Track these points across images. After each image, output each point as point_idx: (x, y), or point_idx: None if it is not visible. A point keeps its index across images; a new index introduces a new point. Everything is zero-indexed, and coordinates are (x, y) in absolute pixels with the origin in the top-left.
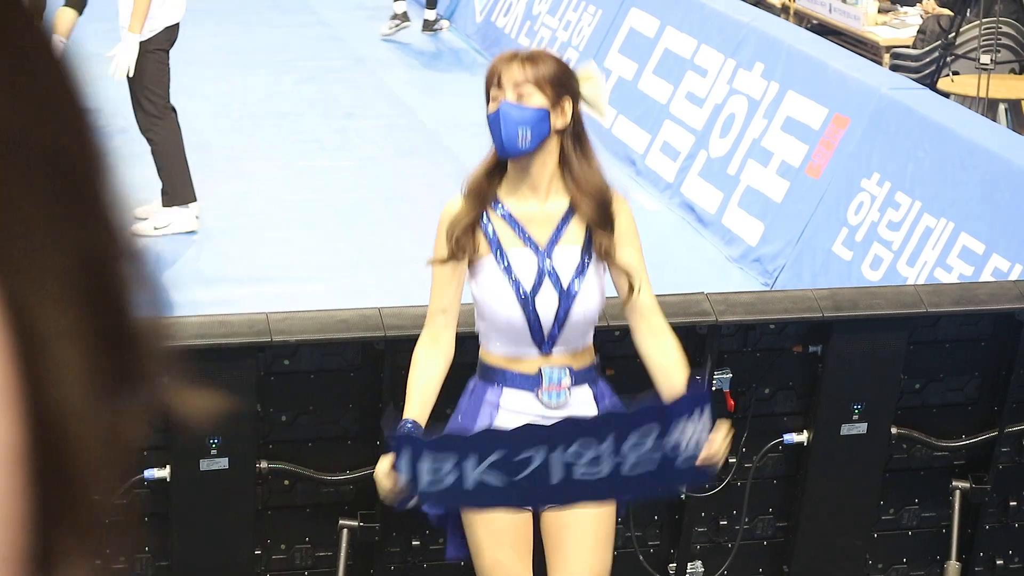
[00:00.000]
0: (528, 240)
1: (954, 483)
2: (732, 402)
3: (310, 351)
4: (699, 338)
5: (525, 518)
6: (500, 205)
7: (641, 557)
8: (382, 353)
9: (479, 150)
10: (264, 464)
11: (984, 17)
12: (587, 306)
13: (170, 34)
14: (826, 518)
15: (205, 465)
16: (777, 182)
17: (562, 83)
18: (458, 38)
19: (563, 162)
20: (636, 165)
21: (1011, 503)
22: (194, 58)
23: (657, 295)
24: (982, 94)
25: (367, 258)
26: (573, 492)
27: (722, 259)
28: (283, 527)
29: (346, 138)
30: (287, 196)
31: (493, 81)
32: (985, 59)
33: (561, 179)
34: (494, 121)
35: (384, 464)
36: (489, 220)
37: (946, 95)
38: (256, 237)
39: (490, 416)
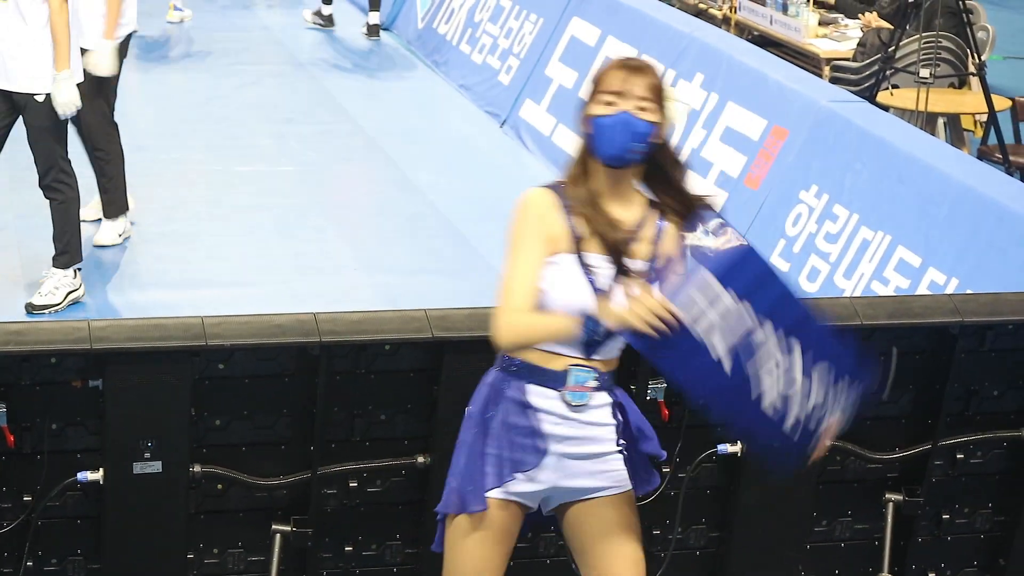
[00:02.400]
0: (605, 246)
1: (887, 496)
2: (666, 412)
3: (245, 356)
4: (634, 349)
5: (515, 519)
6: (585, 207)
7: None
8: (317, 358)
9: (418, 155)
10: (197, 468)
11: (924, 31)
12: None
13: (127, 43)
14: (759, 529)
15: (138, 468)
16: (716, 192)
17: (666, 100)
18: (399, 44)
19: (657, 172)
20: None
21: (944, 516)
22: (133, 61)
23: None
24: (921, 108)
25: (304, 264)
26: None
27: None
28: (216, 531)
29: (285, 143)
30: (225, 201)
31: (612, 86)
32: (924, 73)
33: (648, 188)
34: (610, 128)
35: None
36: (572, 219)
37: (885, 108)
38: (193, 241)
39: (531, 417)
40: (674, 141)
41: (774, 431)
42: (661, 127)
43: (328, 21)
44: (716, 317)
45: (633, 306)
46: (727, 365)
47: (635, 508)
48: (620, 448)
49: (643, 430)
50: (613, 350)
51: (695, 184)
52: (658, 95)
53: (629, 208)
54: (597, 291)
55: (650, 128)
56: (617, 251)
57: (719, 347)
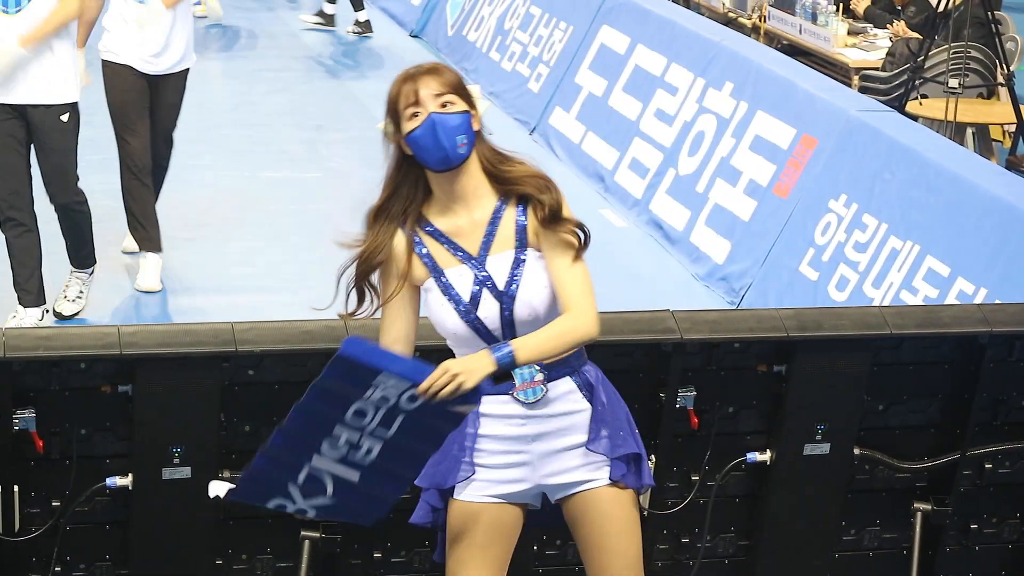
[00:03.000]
0: (461, 254)
1: (916, 505)
2: (696, 420)
3: (274, 362)
4: (664, 356)
5: (513, 520)
6: (429, 224)
7: None
8: None
9: None
10: (226, 474)
11: (953, 41)
12: (530, 302)
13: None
14: (788, 538)
15: (167, 474)
16: (745, 201)
17: (466, 90)
18: (429, 51)
19: (484, 164)
20: (605, 181)
21: (972, 526)
22: None
23: (622, 311)
24: (950, 118)
25: (334, 270)
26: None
27: (688, 277)
28: (245, 537)
29: (314, 149)
30: (254, 207)
31: (409, 100)
32: (953, 83)
33: (487, 183)
34: (428, 134)
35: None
36: (421, 242)
37: (914, 118)
38: (223, 247)
39: (474, 424)
40: (487, 131)
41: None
42: (474, 116)
43: (329, 20)
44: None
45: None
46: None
47: (621, 498)
48: (589, 446)
49: (612, 423)
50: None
51: (523, 162)
52: (455, 88)
53: (480, 205)
54: (461, 308)
55: (463, 117)
56: (473, 257)
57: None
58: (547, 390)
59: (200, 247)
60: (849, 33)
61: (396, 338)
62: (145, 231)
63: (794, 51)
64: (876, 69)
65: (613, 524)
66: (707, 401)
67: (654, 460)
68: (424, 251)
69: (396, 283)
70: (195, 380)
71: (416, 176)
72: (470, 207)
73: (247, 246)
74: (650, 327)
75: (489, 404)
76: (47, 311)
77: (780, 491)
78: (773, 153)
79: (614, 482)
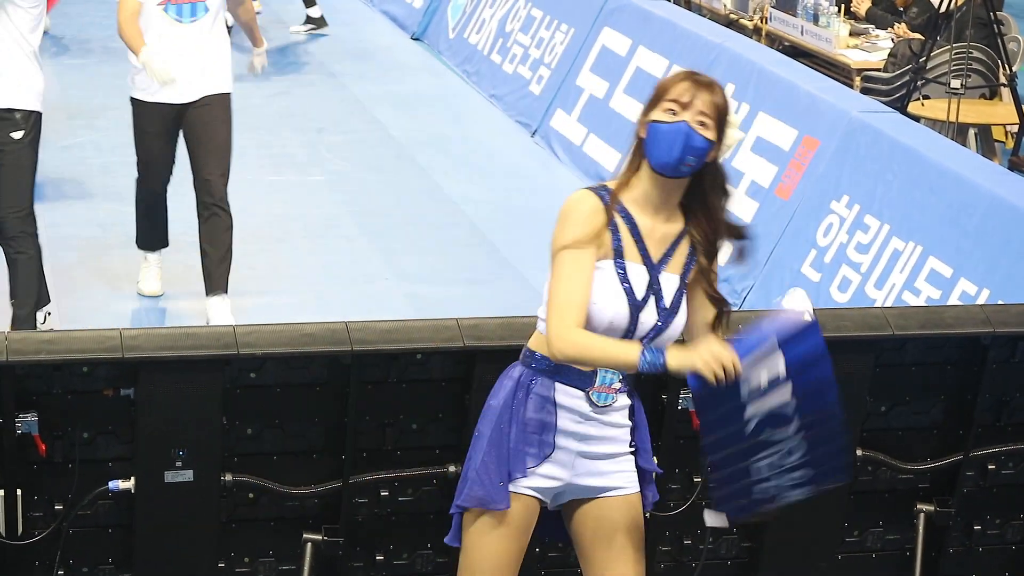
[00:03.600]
0: (645, 254)
1: (919, 506)
2: (697, 422)
3: (276, 364)
4: None
5: (533, 514)
6: (627, 213)
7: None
8: (348, 368)
9: (449, 164)
10: (229, 477)
11: (955, 42)
12: (676, 329)
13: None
14: (790, 539)
15: (170, 477)
16: (747, 202)
17: (726, 122)
18: (430, 54)
19: (698, 191)
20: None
21: (975, 527)
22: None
23: None
24: (952, 119)
25: (335, 273)
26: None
27: None
28: (247, 540)
29: (316, 152)
30: (256, 210)
31: (680, 97)
32: (955, 84)
33: (682, 204)
34: (668, 135)
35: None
36: (616, 226)
37: (916, 119)
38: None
39: (552, 413)
40: (726, 168)
41: (742, 493)
42: (716, 147)
43: (319, 23)
44: (765, 382)
45: (705, 354)
46: (748, 427)
47: (641, 511)
48: (632, 450)
49: (644, 440)
50: None
51: (732, 213)
52: (720, 115)
53: (671, 221)
54: (633, 302)
55: (707, 144)
56: (654, 263)
57: (751, 410)
58: (616, 400)
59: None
60: (851, 34)
61: (585, 302)
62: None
63: (796, 52)
64: (878, 70)
65: (628, 535)
66: None
67: (656, 462)
68: (616, 232)
69: (589, 244)
70: (197, 383)
71: (640, 161)
72: (664, 217)
73: (248, 249)
74: None
75: (563, 395)
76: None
77: None
78: (775, 154)
79: (637, 494)
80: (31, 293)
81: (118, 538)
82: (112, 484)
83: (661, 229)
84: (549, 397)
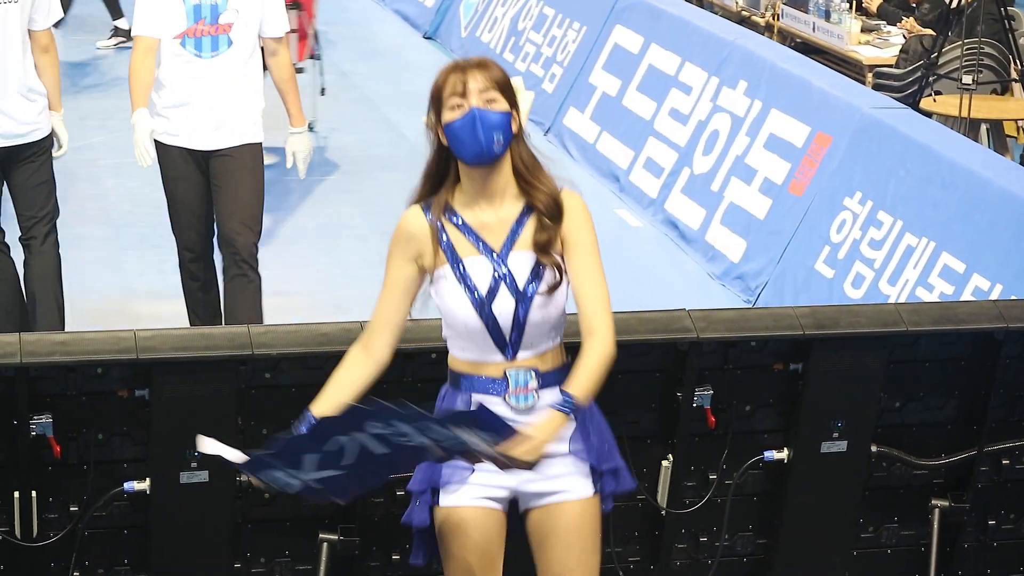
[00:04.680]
0: (483, 247)
1: (933, 502)
2: (713, 418)
3: (291, 365)
4: (680, 355)
5: (498, 523)
6: (455, 215)
7: (621, 573)
8: None
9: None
10: (244, 477)
11: (967, 38)
12: (546, 308)
13: None
14: (806, 536)
15: (185, 478)
16: (760, 199)
17: (511, 89)
18: (443, 52)
19: (518, 166)
20: (620, 181)
21: (990, 522)
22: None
23: (638, 311)
24: (964, 114)
25: (348, 272)
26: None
27: (704, 276)
28: (263, 540)
29: (328, 152)
30: (269, 210)
31: (455, 90)
32: (967, 79)
33: (515, 184)
34: (468, 127)
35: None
36: (444, 230)
37: (928, 115)
38: None
39: None
40: (528, 132)
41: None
42: (515, 115)
43: (128, 35)
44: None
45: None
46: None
47: (596, 514)
48: (572, 452)
49: (590, 434)
50: (540, 348)
51: (553, 174)
52: (501, 85)
53: (508, 205)
54: (476, 298)
55: (504, 116)
56: (495, 251)
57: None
58: (539, 398)
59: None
60: (863, 30)
61: (385, 320)
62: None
63: (808, 49)
64: (890, 66)
65: (580, 541)
66: (724, 400)
67: (672, 460)
68: (445, 238)
69: (404, 265)
70: (212, 384)
71: (450, 166)
72: (497, 204)
73: (263, 249)
74: (666, 326)
75: (479, 404)
76: None
77: (797, 489)
78: (788, 151)
79: (591, 496)
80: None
81: (133, 539)
82: (127, 485)
83: (496, 216)
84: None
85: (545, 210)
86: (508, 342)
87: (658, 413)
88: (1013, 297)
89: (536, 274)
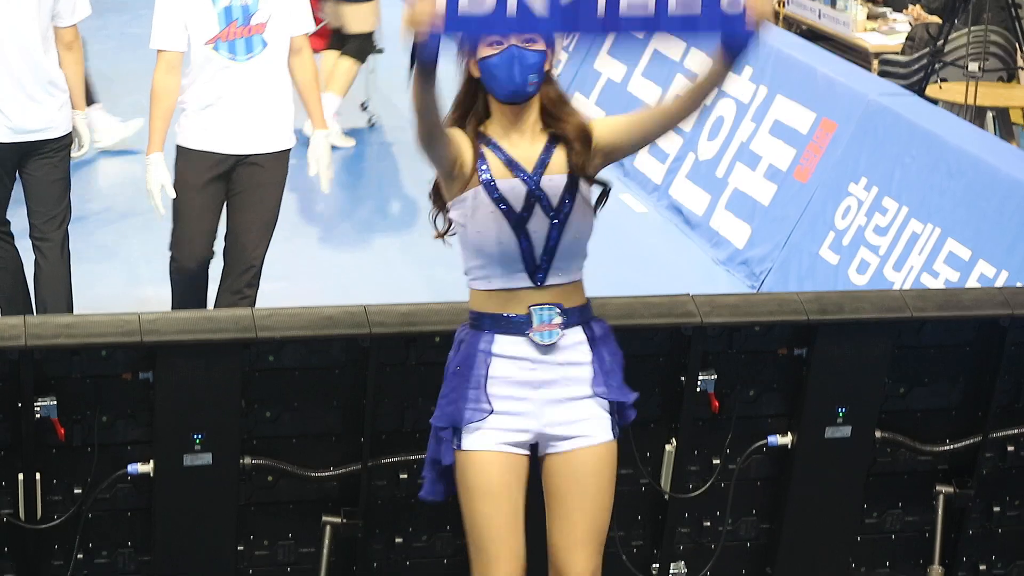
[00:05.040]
0: (517, 169)
1: (938, 488)
2: (716, 403)
3: (295, 348)
4: (684, 339)
5: (521, 468)
6: (489, 140)
7: (624, 557)
8: (367, 350)
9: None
10: (248, 460)
11: (973, 25)
12: (578, 229)
13: None
14: (809, 521)
15: (189, 460)
16: (765, 185)
17: None
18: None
19: (546, 103)
20: (624, 166)
21: (995, 508)
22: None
23: (643, 296)
24: (970, 101)
25: (353, 256)
26: (615, 24)
27: (709, 261)
28: (266, 523)
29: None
30: None
31: None
32: (973, 67)
33: (541, 121)
34: (505, 65)
35: None
36: (483, 156)
37: (934, 102)
38: None
39: (485, 364)
40: (557, 67)
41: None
42: (550, 55)
43: None
44: None
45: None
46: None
47: (614, 458)
48: (597, 393)
49: (609, 367)
50: (567, 277)
51: (577, 112)
52: None
53: (536, 138)
54: (513, 216)
55: (541, 56)
56: (528, 173)
57: None
58: (563, 335)
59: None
60: (868, 17)
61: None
62: None
63: (813, 36)
64: (896, 53)
65: (596, 484)
66: (728, 385)
67: (675, 444)
68: (482, 158)
69: (459, 138)
70: (216, 367)
71: (478, 98)
72: (526, 137)
73: None
74: (670, 311)
75: (502, 344)
76: None
77: (802, 474)
78: (793, 137)
79: (611, 440)
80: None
81: (137, 522)
82: (131, 468)
83: (528, 147)
84: (487, 350)
85: (574, 138)
86: (538, 264)
87: (662, 397)
88: (1018, 284)
89: (570, 195)
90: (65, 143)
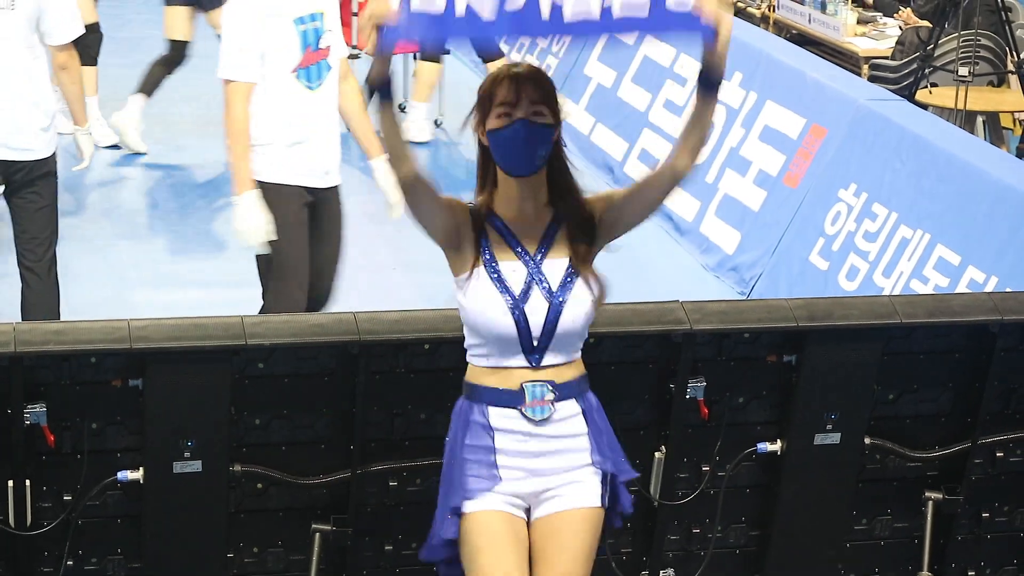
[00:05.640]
0: (518, 250)
1: (927, 494)
2: (706, 410)
3: (285, 355)
4: (674, 346)
5: (523, 528)
6: (495, 217)
7: (613, 564)
8: (357, 357)
9: (453, 154)
10: (237, 467)
11: (963, 29)
12: (575, 314)
13: None
14: (799, 527)
15: (178, 468)
16: (754, 191)
17: (558, 103)
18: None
19: (553, 175)
20: (614, 172)
21: (983, 515)
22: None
23: (632, 303)
24: (960, 106)
25: (343, 263)
26: (561, 28)
27: (698, 268)
28: (256, 530)
29: None
30: None
31: (506, 98)
32: (963, 71)
33: (547, 192)
34: (512, 138)
35: None
36: (485, 233)
37: (924, 107)
38: (232, 241)
39: (489, 435)
40: (566, 143)
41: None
42: (558, 127)
43: None
44: None
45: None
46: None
47: (596, 527)
48: (594, 462)
49: (605, 443)
50: (563, 358)
51: (584, 189)
52: (549, 97)
53: (541, 214)
54: (513, 298)
55: (549, 131)
56: (530, 255)
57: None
58: (555, 410)
59: (209, 240)
60: (858, 22)
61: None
62: None
63: (803, 40)
64: (886, 58)
65: (574, 544)
66: (717, 391)
67: (664, 451)
68: (484, 239)
69: (453, 205)
70: (205, 374)
71: (489, 167)
72: (530, 210)
73: None
74: (660, 318)
75: (498, 418)
76: None
77: (791, 481)
78: (783, 143)
79: (597, 507)
80: None
81: (127, 529)
82: (121, 475)
83: (532, 224)
84: (485, 423)
85: (576, 222)
86: (535, 346)
87: (651, 404)
88: (1008, 290)
89: (570, 280)
90: (48, 168)
